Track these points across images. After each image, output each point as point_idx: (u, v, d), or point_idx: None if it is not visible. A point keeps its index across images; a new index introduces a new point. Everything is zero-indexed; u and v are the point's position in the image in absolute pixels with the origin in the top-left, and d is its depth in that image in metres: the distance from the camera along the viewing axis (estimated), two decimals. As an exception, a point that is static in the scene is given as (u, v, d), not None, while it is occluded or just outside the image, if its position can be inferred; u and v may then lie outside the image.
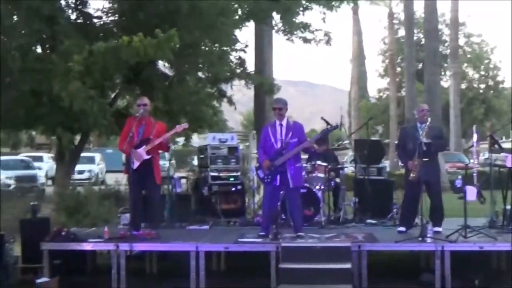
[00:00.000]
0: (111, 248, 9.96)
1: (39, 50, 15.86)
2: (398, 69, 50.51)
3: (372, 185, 12.85)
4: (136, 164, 10.60)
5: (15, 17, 14.91)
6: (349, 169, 21.82)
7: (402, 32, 48.25)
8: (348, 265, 9.41)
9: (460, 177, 11.31)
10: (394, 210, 12.53)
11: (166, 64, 17.39)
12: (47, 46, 15.75)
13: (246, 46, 19.19)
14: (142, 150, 10.62)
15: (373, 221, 12.28)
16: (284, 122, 10.67)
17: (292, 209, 10.69)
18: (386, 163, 17.15)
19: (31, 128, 19.85)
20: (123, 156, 11.18)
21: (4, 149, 43.17)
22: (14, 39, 14.27)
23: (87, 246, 10.26)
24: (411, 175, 10.57)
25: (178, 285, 9.99)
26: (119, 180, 19.03)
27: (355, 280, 9.44)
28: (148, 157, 10.63)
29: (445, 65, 50.93)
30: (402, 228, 10.94)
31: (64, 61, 13.68)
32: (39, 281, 9.75)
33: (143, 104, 10.89)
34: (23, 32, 14.60)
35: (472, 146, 11.61)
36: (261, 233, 10.48)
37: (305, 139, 10.73)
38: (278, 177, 10.50)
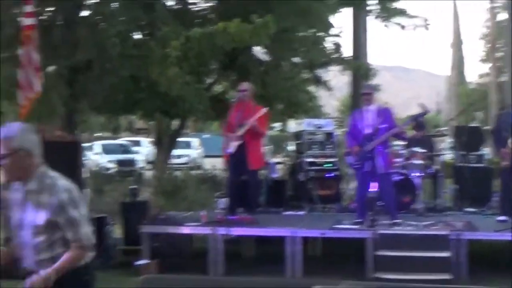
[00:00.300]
0: (208, 232, 10.04)
1: (137, 36, 16.10)
2: (500, 53, 48.99)
3: (472, 172, 12.55)
4: (232, 149, 10.66)
5: (114, 4, 15.17)
6: (448, 156, 21.41)
7: (503, 16, 46.73)
8: (447, 254, 9.20)
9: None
10: (494, 198, 12.18)
11: (262, 50, 17.38)
12: (145, 32, 15.97)
13: (341, 31, 18.99)
14: (237, 135, 10.66)
15: (472, 210, 11.99)
16: (373, 108, 10.51)
17: (383, 195, 10.48)
18: (486, 150, 16.68)
19: (130, 113, 20.20)
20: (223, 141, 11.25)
21: (105, 133, 44.24)
22: (114, 26, 14.50)
23: (184, 230, 10.37)
24: (503, 162, 10.25)
25: (274, 269, 9.99)
26: (215, 165, 19.23)
27: (453, 269, 9.21)
28: (241, 142, 10.65)
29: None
30: (502, 217, 10.62)
31: (161, 47, 13.83)
32: (138, 263, 9.90)
33: (241, 90, 11.04)
34: (122, 19, 14.83)
35: None
36: (356, 220, 10.37)
37: (395, 125, 10.55)
38: (368, 163, 10.33)
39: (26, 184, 4.16)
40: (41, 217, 4.08)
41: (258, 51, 17.21)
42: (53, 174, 4.20)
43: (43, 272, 3.99)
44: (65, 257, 4.07)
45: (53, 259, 4.09)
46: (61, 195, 4.06)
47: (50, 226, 4.08)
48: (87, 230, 4.11)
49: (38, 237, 4.08)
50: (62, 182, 4.14)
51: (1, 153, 4.10)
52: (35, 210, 4.09)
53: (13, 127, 4.23)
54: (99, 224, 10.56)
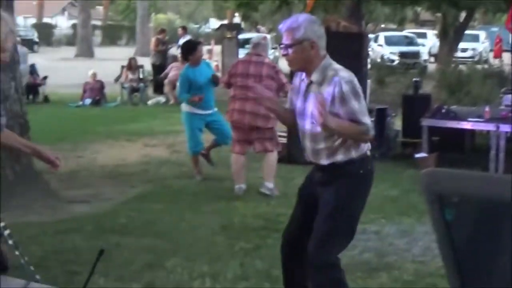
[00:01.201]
0: (491, 128, 9.73)
1: None
2: None
3: None
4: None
5: None
6: None
7: None
8: None
9: None
10: None
11: None
12: None
13: None
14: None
15: None
16: None
17: None
18: None
19: (416, 4, 19.86)
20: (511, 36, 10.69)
21: (390, 25, 43.92)
22: None
23: (466, 125, 10.13)
24: None
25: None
26: (503, 60, 18.39)
27: None
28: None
29: None
30: None
31: None
32: (417, 155, 9.91)
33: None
34: None
35: None
36: None
37: None
38: None
39: (309, 74, 4.23)
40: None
41: None
42: (336, 66, 4.22)
43: (332, 117, 4.00)
44: (356, 127, 4.08)
45: (329, 149, 4.18)
46: (342, 86, 4.07)
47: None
48: (366, 121, 4.15)
49: (317, 127, 4.12)
50: (344, 73, 4.15)
51: (286, 43, 4.20)
52: (315, 101, 4.11)
53: (299, 18, 4.28)
54: (380, 115, 10.67)
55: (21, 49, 17.66)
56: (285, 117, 4.52)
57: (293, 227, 4.44)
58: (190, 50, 9.05)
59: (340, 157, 4.15)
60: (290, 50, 4.17)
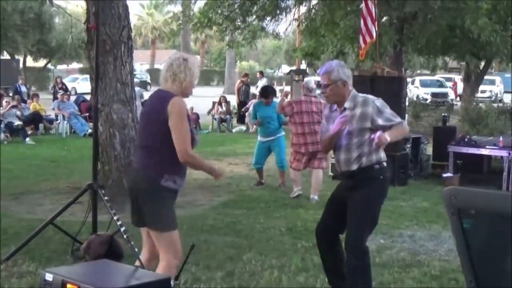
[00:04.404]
0: (504, 154, 9.47)
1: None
2: None
3: None
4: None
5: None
6: None
7: None
8: None
9: None
10: None
11: None
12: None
13: None
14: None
15: None
16: None
17: None
18: None
19: (446, 54, 19.56)
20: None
21: (424, 71, 43.25)
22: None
23: (484, 151, 9.88)
24: None
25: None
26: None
27: None
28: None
29: None
30: None
31: (474, 1, 13.21)
32: (445, 175, 9.72)
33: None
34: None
35: None
36: None
37: None
38: None
39: (342, 104, 4.31)
40: (354, 125, 4.23)
41: None
42: (362, 94, 4.33)
43: (385, 134, 4.18)
44: (397, 128, 4.27)
45: (359, 156, 4.26)
46: (375, 103, 4.23)
47: (363, 130, 4.22)
48: (399, 119, 4.30)
49: (352, 139, 4.24)
50: (371, 96, 4.30)
51: (324, 83, 4.31)
52: (349, 121, 4.24)
53: (332, 64, 4.38)
54: (415, 143, 10.51)
55: (137, 89, 18.15)
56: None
57: (324, 225, 4.50)
58: (265, 94, 9.47)
59: (364, 161, 4.26)
60: (327, 89, 4.31)
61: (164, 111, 3.74)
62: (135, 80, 9.70)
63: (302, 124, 8.24)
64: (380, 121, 4.20)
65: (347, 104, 4.27)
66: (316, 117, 8.14)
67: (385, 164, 4.34)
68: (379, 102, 4.25)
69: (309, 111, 8.24)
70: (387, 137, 4.15)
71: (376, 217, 4.35)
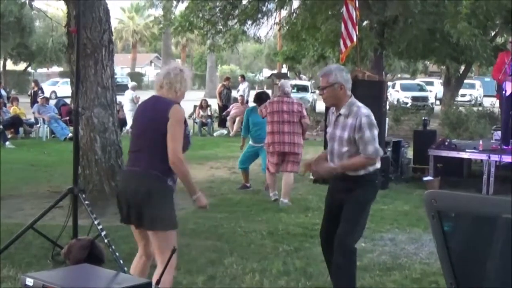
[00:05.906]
0: (484, 158, 9.56)
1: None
2: None
3: None
4: (509, 91, 9.88)
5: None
6: None
7: None
8: None
9: None
10: None
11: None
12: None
13: None
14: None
15: None
16: None
17: None
18: None
19: (426, 58, 19.75)
20: (496, 84, 10.49)
21: (405, 75, 43.60)
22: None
23: (464, 155, 9.97)
24: None
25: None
26: (493, 103, 18.09)
27: None
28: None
29: None
30: None
31: (454, 5, 13.27)
32: (425, 178, 9.79)
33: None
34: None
35: None
36: None
37: None
38: None
39: (339, 109, 4.38)
40: (346, 133, 4.31)
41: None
42: (359, 104, 4.38)
43: (333, 164, 4.37)
44: (353, 159, 4.30)
45: None
46: (362, 119, 4.25)
47: (352, 141, 4.29)
48: (374, 147, 4.26)
49: (343, 147, 4.33)
50: (364, 110, 4.32)
51: (322, 85, 4.41)
52: (342, 129, 4.33)
53: (331, 67, 4.52)
54: (396, 146, 10.57)
55: (132, 92, 18.11)
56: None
57: (325, 228, 4.57)
58: (260, 101, 9.04)
59: (362, 171, 4.34)
60: (325, 91, 4.39)
61: (166, 116, 3.90)
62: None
63: (272, 123, 8.24)
64: (356, 137, 4.26)
65: (342, 111, 4.35)
66: (286, 116, 8.16)
67: (378, 166, 4.42)
68: (366, 119, 4.24)
69: (279, 110, 8.23)
70: (336, 166, 4.34)
71: (366, 219, 4.49)
